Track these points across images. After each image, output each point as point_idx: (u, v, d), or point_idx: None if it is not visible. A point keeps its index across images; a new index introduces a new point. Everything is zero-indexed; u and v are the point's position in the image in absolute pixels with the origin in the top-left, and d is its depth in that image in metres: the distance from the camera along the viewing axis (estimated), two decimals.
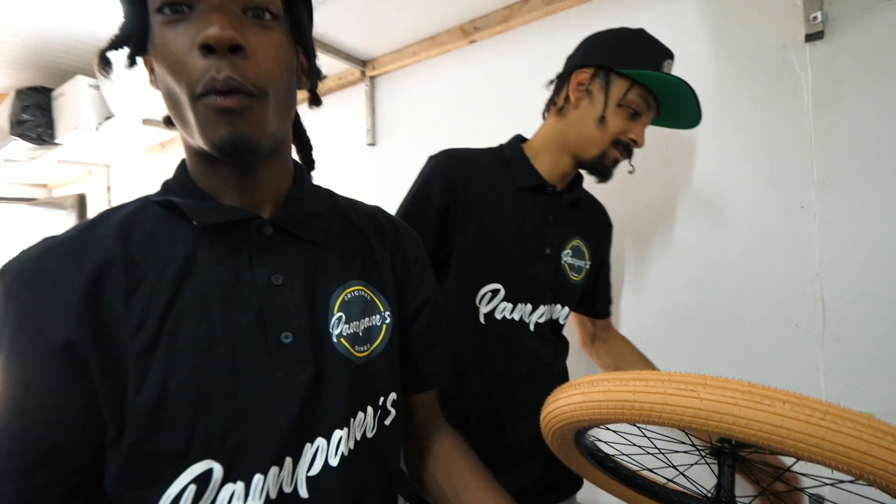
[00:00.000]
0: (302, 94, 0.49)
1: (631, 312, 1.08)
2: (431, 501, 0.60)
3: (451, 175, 0.78)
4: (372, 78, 1.50)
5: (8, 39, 1.98)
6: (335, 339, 0.46)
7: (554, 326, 0.86)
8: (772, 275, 0.90)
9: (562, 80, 0.82)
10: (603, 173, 0.81)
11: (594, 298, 0.96)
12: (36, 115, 2.20)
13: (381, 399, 0.50)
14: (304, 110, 0.50)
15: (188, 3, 0.38)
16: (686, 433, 0.66)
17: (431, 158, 0.82)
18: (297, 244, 0.47)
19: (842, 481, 0.49)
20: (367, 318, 0.50)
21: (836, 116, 0.84)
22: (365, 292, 0.51)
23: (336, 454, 0.44)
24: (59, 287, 0.38)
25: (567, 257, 0.85)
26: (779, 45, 0.89)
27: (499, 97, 1.27)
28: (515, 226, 0.80)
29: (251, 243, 0.44)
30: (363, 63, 1.48)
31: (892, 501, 0.53)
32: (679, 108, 0.78)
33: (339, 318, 0.47)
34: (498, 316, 0.79)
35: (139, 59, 0.44)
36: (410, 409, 0.60)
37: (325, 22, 1.26)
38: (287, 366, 0.43)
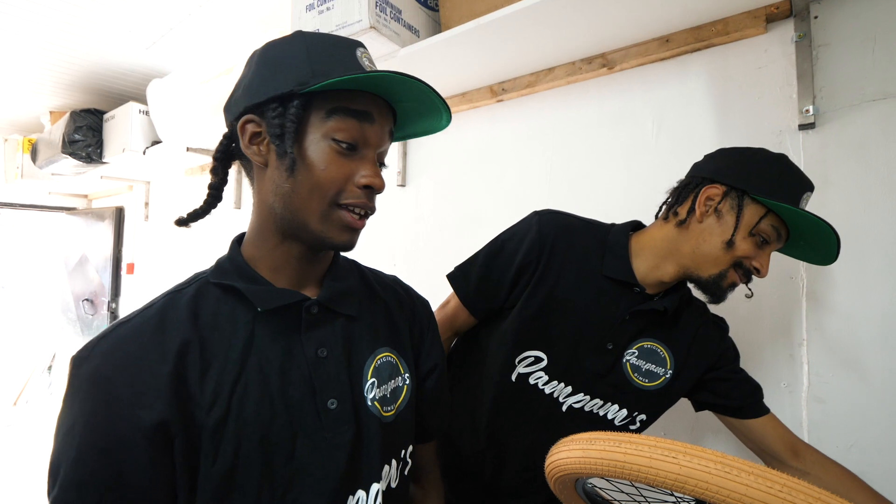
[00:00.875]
0: None
1: None
2: None
3: (543, 237, 0.80)
4: None
5: (66, 65, 2.16)
6: (370, 403, 0.54)
7: (605, 425, 0.82)
8: (764, 338, 0.99)
9: (688, 190, 0.78)
10: (717, 294, 0.76)
11: (723, 403, 0.84)
12: (87, 136, 2.37)
13: (403, 452, 0.58)
14: None
15: (354, 146, 0.49)
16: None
17: (536, 214, 0.84)
18: (337, 319, 0.54)
19: None
20: (392, 381, 0.58)
21: (825, 199, 0.94)
22: (391, 357, 0.59)
23: None
24: (149, 371, 0.42)
25: (631, 357, 0.80)
26: (776, 130, 1.00)
27: (522, 152, 1.39)
28: (585, 310, 0.79)
29: (301, 322, 0.51)
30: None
31: None
32: (814, 243, 0.74)
33: (373, 384, 0.55)
34: (531, 381, 0.82)
35: (249, 124, 0.50)
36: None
37: None
38: (334, 428, 0.50)
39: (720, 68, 1.06)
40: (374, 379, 0.55)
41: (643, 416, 0.83)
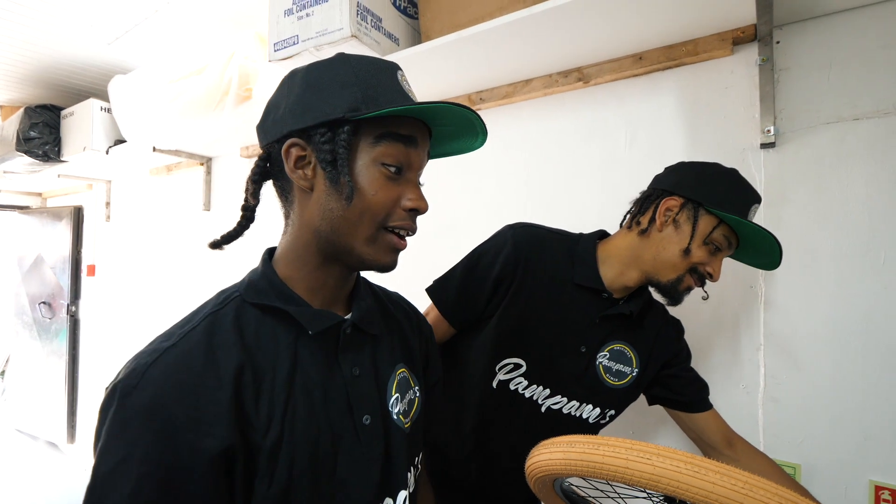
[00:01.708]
0: None
1: None
2: None
3: (518, 251, 0.85)
4: None
5: (19, 58, 2.05)
6: (395, 416, 0.57)
7: (579, 424, 0.88)
8: (724, 343, 1.06)
9: (649, 202, 0.84)
10: (675, 297, 0.83)
11: (675, 398, 0.92)
12: (44, 133, 2.26)
13: (416, 459, 0.62)
14: None
15: (400, 169, 0.51)
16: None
17: (510, 227, 0.90)
18: (364, 338, 0.57)
19: None
20: (408, 394, 0.61)
21: (783, 213, 1.01)
22: (406, 373, 0.62)
23: None
24: (209, 398, 0.42)
25: (603, 359, 0.86)
26: (740, 148, 1.06)
27: (500, 161, 1.41)
28: (558, 317, 0.85)
29: (339, 342, 0.53)
30: None
31: None
32: (759, 250, 0.81)
33: (397, 399, 0.58)
34: (512, 387, 0.87)
35: (294, 148, 0.50)
36: None
37: None
38: (369, 442, 0.52)
39: (690, 86, 1.11)
40: (397, 394, 0.59)
41: (612, 412, 0.90)
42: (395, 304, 0.68)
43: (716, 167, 0.82)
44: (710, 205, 0.77)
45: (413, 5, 1.28)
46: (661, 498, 0.71)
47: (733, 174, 0.81)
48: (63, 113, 2.25)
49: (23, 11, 1.68)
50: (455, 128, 0.55)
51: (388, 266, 0.53)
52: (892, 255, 0.91)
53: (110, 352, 2.80)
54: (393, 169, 0.50)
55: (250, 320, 0.49)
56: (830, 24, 0.97)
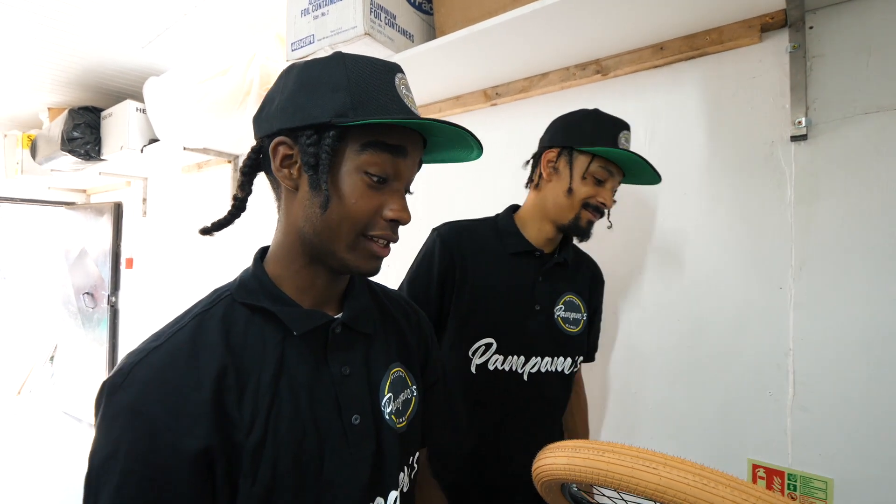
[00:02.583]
0: None
1: (626, 368, 1.19)
2: None
3: (449, 245, 0.92)
4: None
5: (65, 62, 2.16)
6: (387, 417, 0.56)
7: (559, 378, 0.94)
8: (750, 346, 1.01)
9: (536, 160, 0.95)
10: (580, 233, 0.91)
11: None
12: (85, 134, 2.37)
13: (411, 458, 0.61)
14: None
15: (385, 179, 0.50)
16: None
17: (434, 230, 0.96)
18: (356, 337, 0.56)
19: None
20: (403, 393, 0.60)
21: (815, 210, 0.95)
22: (402, 371, 0.61)
23: None
24: (190, 398, 0.43)
25: (560, 311, 0.94)
26: (767, 141, 1.00)
27: (516, 157, 1.38)
28: (506, 287, 0.92)
29: (327, 341, 0.53)
30: None
31: None
32: (640, 171, 0.89)
33: (389, 398, 0.57)
34: (490, 367, 0.90)
35: (282, 146, 0.50)
36: None
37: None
38: (357, 442, 0.52)
39: (714, 77, 1.06)
40: (390, 394, 0.58)
41: (580, 358, 0.98)
42: (395, 302, 0.68)
43: (579, 112, 0.92)
44: (580, 145, 0.86)
45: (428, 1, 1.27)
46: None
47: (595, 113, 0.90)
48: (103, 114, 2.36)
49: (69, 20, 1.77)
50: (448, 140, 0.54)
51: (369, 272, 0.52)
52: None
53: None
54: (376, 178, 0.49)
55: (238, 320, 0.50)
56: (868, 6, 0.90)
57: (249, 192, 0.55)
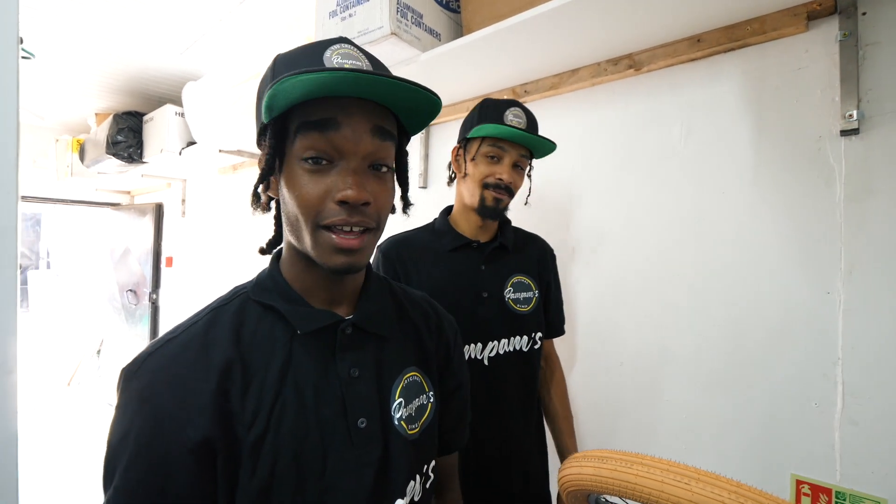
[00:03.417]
0: None
1: (659, 373, 1.14)
2: None
3: (390, 258, 0.97)
4: (428, 127, 1.64)
5: (111, 69, 2.27)
6: (396, 422, 0.54)
7: (520, 356, 0.98)
8: (794, 354, 0.95)
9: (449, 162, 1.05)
10: (491, 214, 0.95)
11: (546, 319, 1.07)
12: (128, 137, 2.48)
13: (425, 467, 0.59)
14: None
15: (328, 159, 0.46)
16: None
17: (377, 248, 0.99)
18: (369, 339, 0.55)
19: None
20: (417, 399, 0.58)
21: (867, 209, 0.88)
22: (417, 376, 0.59)
23: None
24: (195, 390, 0.44)
25: (510, 294, 0.99)
26: (815, 136, 0.94)
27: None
28: (450, 281, 0.96)
29: (336, 342, 0.52)
30: None
31: None
32: (534, 142, 0.93)
33: (400, 403, 0.55)
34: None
35: (260, 161, 0.50)
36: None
37: None
38: (363, 446, 0.50)
39: (755, 69, 1.00)
40: (401, 399, 0.56)
41: (539, 334, 1.02)
42: (416, 305, 0.66)
43: (475, 107, 0.97)
44: (468, 134, 0.95)
45: None
46: None
47: (483, 101, 0.96)
48: (145, 118, 2.47)
49: (116, 30, 1.86)
50: (405, 100, 0.47)
51: (339, 268, 0.47)
52: None
53: None
54: (311, 161, 0.45)
55: (251, 317, 0.50)
56: None
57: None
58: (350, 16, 1.16)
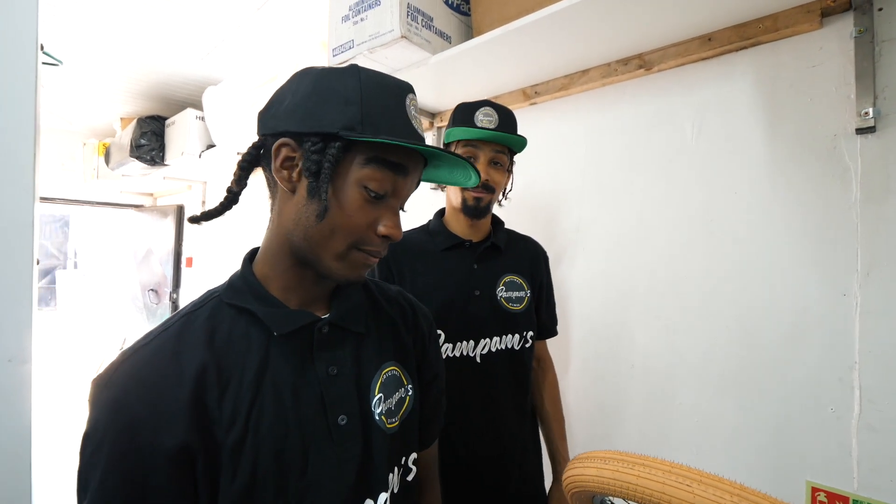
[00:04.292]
0: None
1: (669, 376, 1.13)
2: None
3: (384, 259, 0.98)
4: (439, 128, 1.65)
5: (137, 75, 2.34)
6: (377, 417, 0.55)
7: (511, 354, 0.99)
8: (809, 358, 0.93)
9: None
10: (472, 213, 0.98)
11: (538, 320, 1.08)
12: (151, 141, 2.56)
13: (403, 459, 0.60)
14: None
15: (384, 196, 0.51)
16: None
17: None
18: (346, 336, 0.56)
19: None
20: (396, 393, 0.59)
21: (884, 209, 0.86)
22: (396, 370, 0.60)
23: None
24: (168, 397, 0.43)
25: (502, 293, 1.00)
26: (830, 134, 0.92)
27: (555, 156, 1.36)
28: (444, 280, 0.98)
29: (313, 341, 0.52)
30: (432, 115, 1.63)
31: None
32: (508, 141, 0.96)
33: (380, 399, 0.56)
34: (443, 356, 0.91)
35: (285, 148, 0.50)
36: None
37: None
38: (343, 443, 0.51)
39: (768, 67, 0.99)
40: (381, 394, 0.57)
41: (531, 333, 1.03)
42: (392, 300, 0.67)
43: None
44: (446, 138, 0.98)
45: (466, 2, 1.27)
46: None
47: (458, 106, 0.99)
48: (167, 122, 2.55)
49: (141, 36, 1.93)
50: (449, 165, 0.56)
51: (355, 281, 0.53)
52: None
53: None
54: (373, 194, 0.50)
55: (224, 320, 0.50)
56: None
57: (244, 186, 0.55)
58: (362, 20, 1.19)
